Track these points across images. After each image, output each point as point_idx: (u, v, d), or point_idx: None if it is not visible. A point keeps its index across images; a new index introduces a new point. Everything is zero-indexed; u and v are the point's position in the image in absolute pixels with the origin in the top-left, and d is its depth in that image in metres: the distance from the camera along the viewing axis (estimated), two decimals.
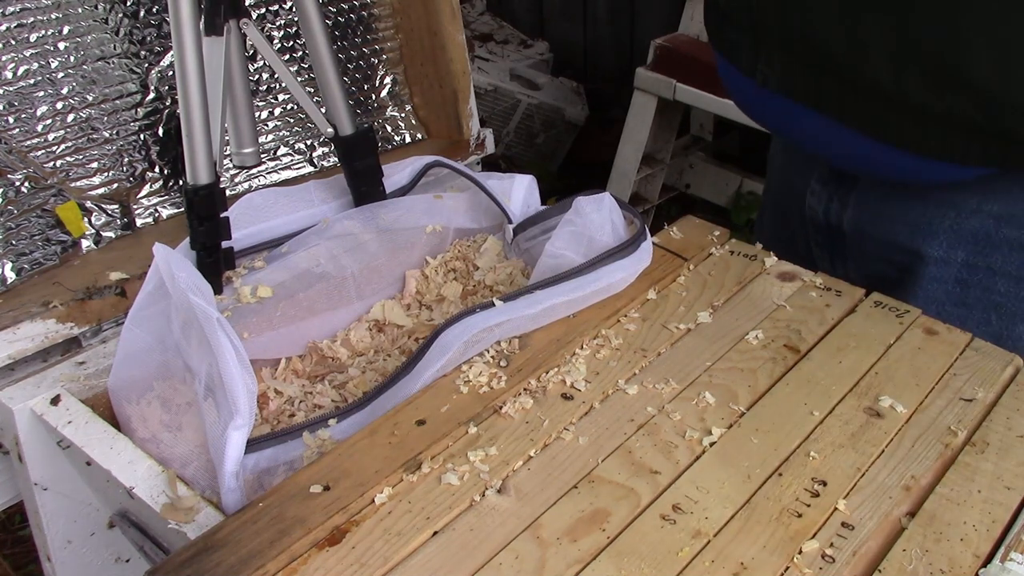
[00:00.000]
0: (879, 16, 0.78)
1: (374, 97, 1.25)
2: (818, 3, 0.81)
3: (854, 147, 0.89)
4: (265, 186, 1.13)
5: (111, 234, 1.04)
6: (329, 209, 0.96)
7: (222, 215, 0.86)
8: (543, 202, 1.00)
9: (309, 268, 0.90)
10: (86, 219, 1.01)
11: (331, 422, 0.76)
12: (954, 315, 0.86)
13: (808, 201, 1.01)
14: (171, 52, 1.05)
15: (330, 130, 0.96)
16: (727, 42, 0.96)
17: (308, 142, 1.19)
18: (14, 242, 0.96)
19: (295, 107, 1.17)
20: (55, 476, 0.85)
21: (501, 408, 0.75)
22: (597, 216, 0.88)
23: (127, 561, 0.92)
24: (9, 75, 0.96)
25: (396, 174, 0.99)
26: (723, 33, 0.96)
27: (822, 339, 0.83)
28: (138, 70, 1.05)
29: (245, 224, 0.91)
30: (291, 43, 1.16)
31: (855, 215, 0.97)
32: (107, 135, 1.04)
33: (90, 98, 1.02)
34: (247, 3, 0.93)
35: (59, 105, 1.00)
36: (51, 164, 1.00)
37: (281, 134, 1.17)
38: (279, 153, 1.17)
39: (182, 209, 1.08)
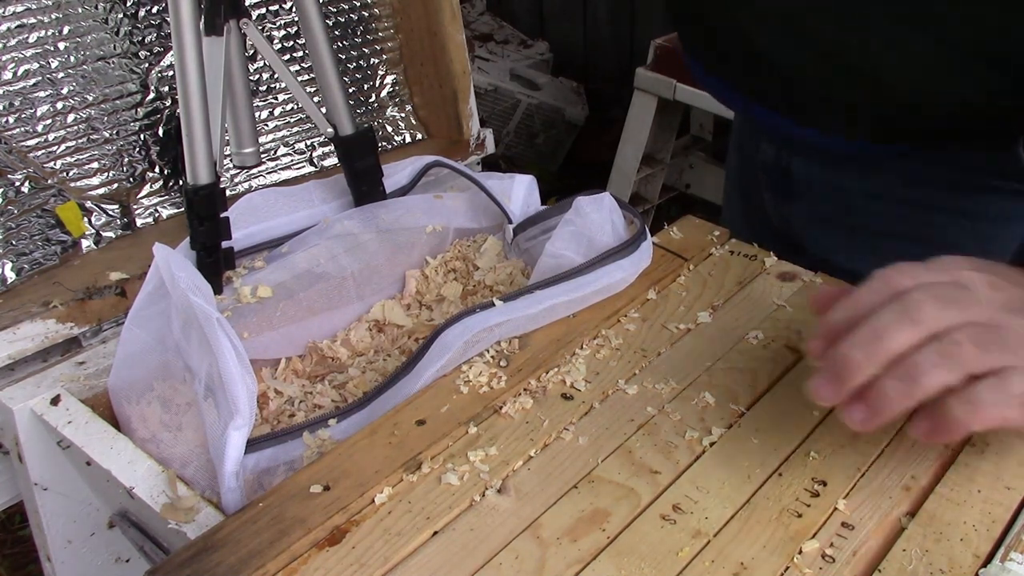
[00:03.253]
0: None
1: (374, 97, 1.25)
2: None
3: (774, 122, 0.97)
4: (265, 186, 1.13)
5: (111, 234, 1.04)
6: (329, 209, 0.96)
7: (222, 215, 0.86)
8: (543, 202, 1.00)
9: (309, 268, 0.90)
10: (86, 219, 1.01)
11: (331, 422, 0.76)
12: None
13: (761, 146, 1.06)
14: (171, 52, 1.05)
15: (330, 130, 0.96)
16: (679, 26, 1.05)
17: (308, 142, 1.19)
18: (14, 242, 0.96)
19: (295, 107, 1.17)
20: (55, 476, 0.85)
21: (501, 408, 0.75)
22: (597, 216, 0.88)
23: (127, 561, 0.92)
24: (9, 75, 0.96)
25: (396, 174, 0.99)
26: (676, 21, 1.06)
27: None
28: (138, 70, 1.05)
29: (245, 224, 0.91)
30: (291, 43, 1.16)
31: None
32: (107, 135, 1.04)
33: (90, 98, 1.02)
34: (247, 3, 0.93)
35: (59, 105, 1.00)
36: (51, 164, 1.00)
37: (281, 134, 1.17)
38: (279, 153, 1.17)
39: (182, 209, 1.08)
